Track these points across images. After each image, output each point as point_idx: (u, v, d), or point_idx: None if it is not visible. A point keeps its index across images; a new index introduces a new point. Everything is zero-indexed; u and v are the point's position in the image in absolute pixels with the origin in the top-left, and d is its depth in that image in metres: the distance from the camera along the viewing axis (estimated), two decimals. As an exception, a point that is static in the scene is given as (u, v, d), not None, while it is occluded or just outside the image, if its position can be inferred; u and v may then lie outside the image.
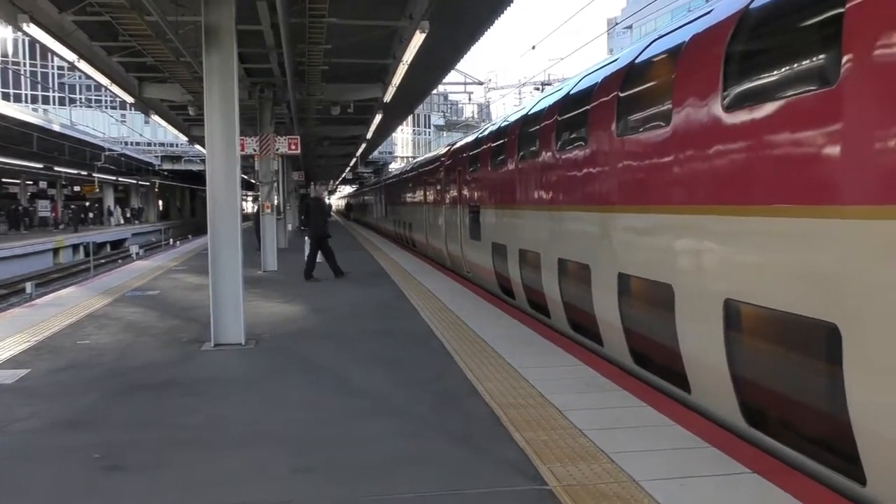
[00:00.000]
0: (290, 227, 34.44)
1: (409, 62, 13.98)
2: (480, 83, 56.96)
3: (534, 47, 29.00)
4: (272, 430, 5.82)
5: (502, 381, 7.07)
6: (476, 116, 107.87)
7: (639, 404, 6.14)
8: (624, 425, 5.61)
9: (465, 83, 55.29)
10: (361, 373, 7.65)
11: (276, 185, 20.49)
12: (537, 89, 70.48)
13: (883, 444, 4.16)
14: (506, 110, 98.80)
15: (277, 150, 19.41)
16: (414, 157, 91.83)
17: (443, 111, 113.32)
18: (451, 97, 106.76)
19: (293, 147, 19.50)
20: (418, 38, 11.98)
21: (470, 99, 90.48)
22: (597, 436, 5.36)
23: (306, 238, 17.05)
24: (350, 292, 14.16)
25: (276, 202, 21.00)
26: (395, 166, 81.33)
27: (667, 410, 5.94)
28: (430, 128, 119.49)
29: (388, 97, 18.82)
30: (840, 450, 4.58)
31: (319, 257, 16.81)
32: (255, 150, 18.97)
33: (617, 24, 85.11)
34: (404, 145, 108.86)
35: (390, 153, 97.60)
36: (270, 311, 11.94)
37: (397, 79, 16.06)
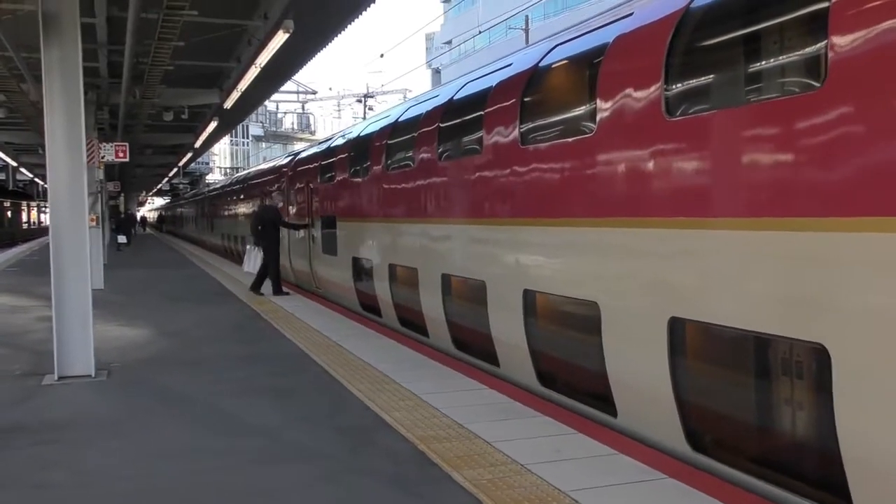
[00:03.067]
0: (106, 240, 31.97)
1: (262, 65, 13.05)
2: (313, 92, 55.72)
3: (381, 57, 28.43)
4: (158, 486, 4.89)
5: (409, 410, 6.45)
6: (295, 127, 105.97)
7: (569, 431, 5.71)
8: (566, 457, 5.15)
9: (297, 92, 53.81)
10: (243, 406, 6.78)
11: (100, 195, 18.73)
12: (359, 101, 70.29)
13: None
14: (324, 122, 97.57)
15: (103, 157, 17.73)
16: (233, 169, 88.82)
17: (261, 121, 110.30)
18: (270, 107, 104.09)
19: (121, 155, 17.92)
20: (280, 38, 11.13)
21: (303, 108, 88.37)
22: (544, 471, 4.87)
23: (252, 248, 15.39)
24: (198, 312, 12.98)
25: (99, 214, 19.21)
26: (212, 178, 78.22)
27: (599, 436, 5.55)
28: (248, 138, 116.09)
29: (229, 103, 17.64)
30: None
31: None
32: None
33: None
34: (222, 156, 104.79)
35: (207, 164, 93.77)
36: (114, 334, 10.64)
37: (244, 83, 15.02)
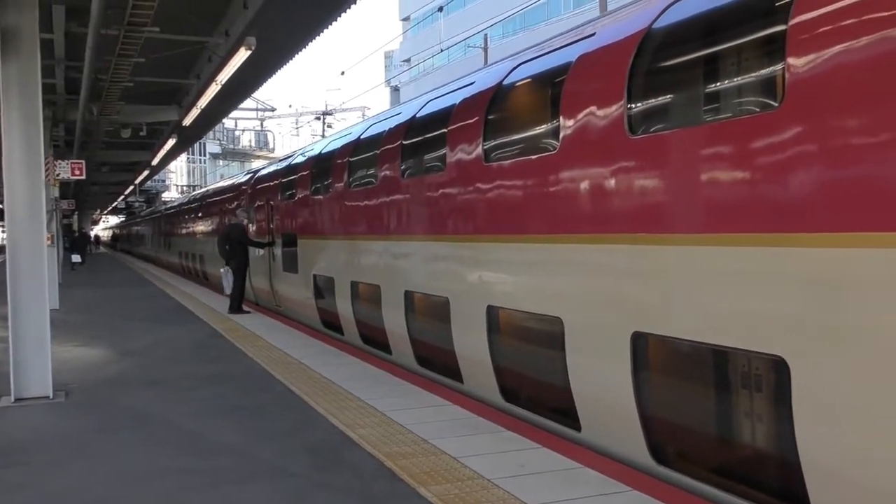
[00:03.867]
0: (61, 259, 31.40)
1: (223, 82, 12.99)
2: (272, 109, 55.42)
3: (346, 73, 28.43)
4: (130, 506, 4.85)
5: (375, 426, 6.45)
6: (253, 144, 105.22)
7: (533, 446, 5.76)
8: (531, 471, 5.19)
9: (256, 109, 53.51)
10: (207, 426, 6.72)
11: (55, 213, 18.44)
12: (317, 119, 70.06)
13: None
14: (283, 139, 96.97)
15: (58, 175, 17.47)
16: (190, 187, 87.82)
17: (219, 139, 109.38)
18: (228, 124, 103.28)
19: (77, 172, 17.66)
20: (241, 56, 11.11)
21: (262, 125, 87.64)
22: (510, 485, 4.91)
23: (227, 270, 15.14)
24: (157, 332, 12.82)
25: (54, 232, 18.90)
26: (169, 195, 77.29)
27: (563, 450, 5.61)
28: (205, 155, 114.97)
29: (188, 120, 17.51)
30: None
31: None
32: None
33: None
34: (179, 174, 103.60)
35: (163, 181, 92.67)
36: (71, 355, 10.47)
37: (204, 101, 14.93)
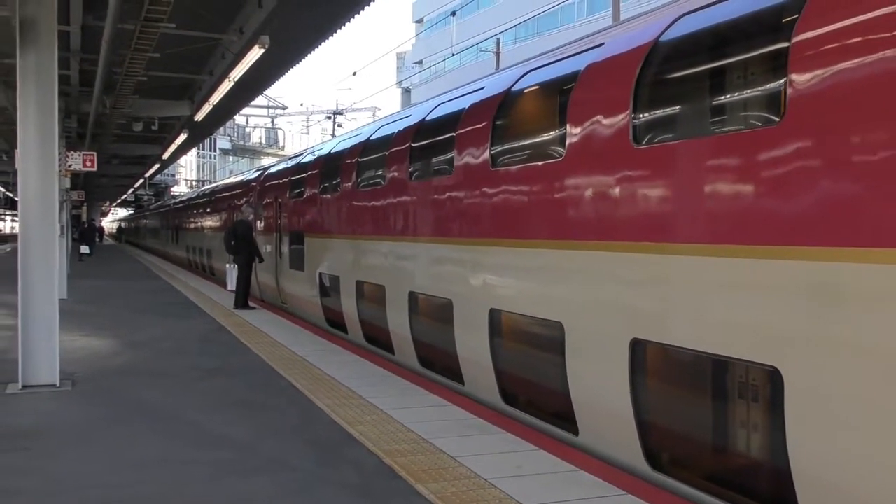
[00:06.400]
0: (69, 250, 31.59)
1: (236, 79, 13.12)
2: (284, 108, 55.57)
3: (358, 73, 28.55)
4: (133, 495, 4.93)
5: (375, 424, 6.54)
6: (263, 142, 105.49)
7: (531, 448, 5.85)
8: (528, 472, 5.28)
9: (268, 107, 53.70)
10: (213, 418, 6.82)
11: (65, 204, 18.60)
12: (328, 118, 70.25)
13: None
14: (293, 137, 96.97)
15: (70, 166, 17.60)
16: (199, 181, 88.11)
17: (229, 135, 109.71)
18: (238, 120, 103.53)
19: (89, 164, 17.78)
20: (255, 53, 11.24)
21: (273, 123, 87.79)
22: (507, 486, 4.99)
23: (231, 267, 15.28)
24: (164, 325, 12.94)
25: (64, 223, 19.04)
26: (178, 190, 77.58)
27: (561, 454, 5.69)
28: (215, 151, 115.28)
29: (200, 115, 17.65)
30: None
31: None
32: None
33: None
34: (189, 168, 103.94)
35: (172, 176, 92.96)
36: (78, 345, 10.60)
37: (217, 97, 15.06)
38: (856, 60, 3.94)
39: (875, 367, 3.79)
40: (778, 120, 4.42)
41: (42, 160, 8.07)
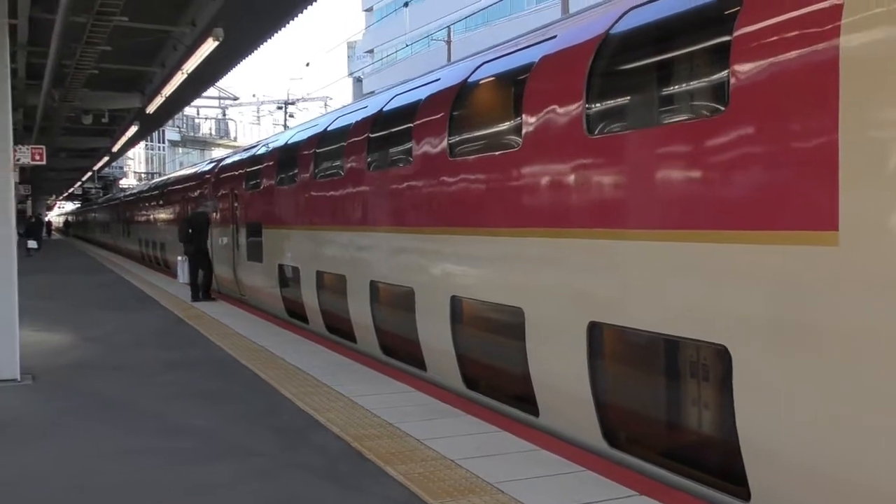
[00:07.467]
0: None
1: (189, 71, 13.05)
2: (235, 98, 54.96)
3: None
4: (102, 484, 5.02)
5: (341, 410, 6.67)
6: (214, 133, 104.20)
7: (493, 430, 6.04)
8: (491, 453, 5.46)
9: (219, 97, 53.06)
10: (174, 409, 6.90)
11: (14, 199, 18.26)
12: (279, 108, 69.67)
13: None
14: (243, 128, 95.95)
15: (18, 160, 17.30)
16: (149, 174, 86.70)
17: (178, 126, 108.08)
18: (188, 111, 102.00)
19: (37, 158, 17.51)
20: (209, 46, 11.21)
21: (224, 114, 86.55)
22: (471, 465, 5.18)
23: (183, 259, 15.18)
24: (120, 318, 12.88)
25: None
26: (126, 182, 76.25)
27: (521, 434, 5.89)
28: (164, 143, 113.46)
29: (152, 108, 17.48)
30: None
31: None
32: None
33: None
34: (138, 161, 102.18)
35: (121, 168, 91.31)
36: (34, 340, 10.53)
37: (169, 89, 14.95)
38: (791, 52, 4.17)
39: (819, 348, 4.04)
40: (723, 109, 4.64)
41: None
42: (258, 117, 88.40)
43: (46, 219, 70.31)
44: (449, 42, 43.26)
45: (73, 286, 19.15)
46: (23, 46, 13.59)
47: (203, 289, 15.30)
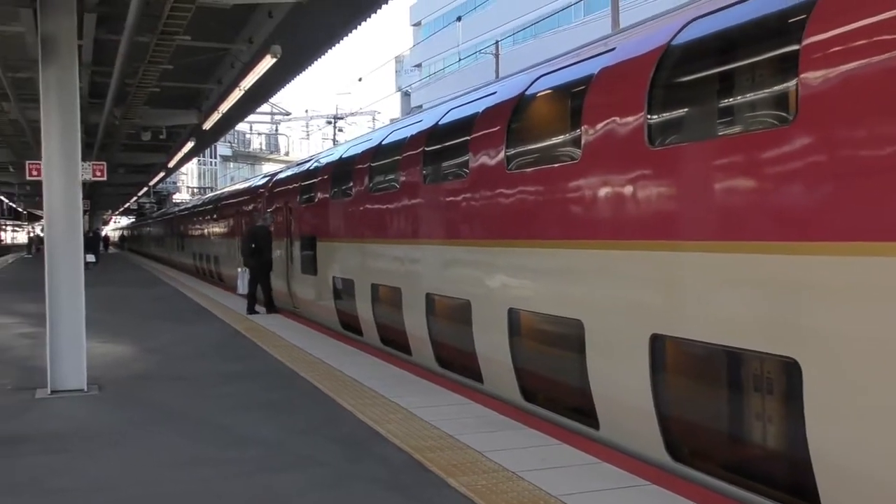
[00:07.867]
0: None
1: (246, 87, 13.32)
2: (287, 113, 55.75)
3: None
4: (171, 492, 5.12)
5: (401, 422, 6.71)
6: (264, 147, 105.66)
7: (554, 442, 6.02)
8: (553, 465, 5.45)
9: (272, 113, 53.89)
10: (238, 419, 7.00)
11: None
12: (329, 123, 70.46)
13: None
14: (293, 143, 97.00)
15: (81, 176, 17.76)
16: (201, 189, 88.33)
17: (229, 142, 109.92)
18: (240, 126, 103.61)
19: (98, 174, 17.92)
20: (266, 63, 11.43)
21: (276, 129, 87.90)
22: (534, 478, 5.17)
23: (243, 271, 15.52)
24: (178, 330, 13.13)
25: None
26: (179, 197, 77.73)
27: (582, 447, 5.86)
28: (216, 158, 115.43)
29: (209, 124, 17.85)
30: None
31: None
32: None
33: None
34: (190, 176, 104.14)
35: (174, 183, 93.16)
36: (99, 351, 10.76)
37: (227, 105, 15.27)
38: (864, 61, 4.12)
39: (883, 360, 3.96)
40: (791, 119, 4.59)
41: (66, 173, 8.30)
42: (307, 132, 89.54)
43: (103, 233, 72.08)
44: (497, 55, 43.41)
45: (132, 299, 19.57)
46: (87, 66, 14.01)
47: (266, 302, 15.52)
